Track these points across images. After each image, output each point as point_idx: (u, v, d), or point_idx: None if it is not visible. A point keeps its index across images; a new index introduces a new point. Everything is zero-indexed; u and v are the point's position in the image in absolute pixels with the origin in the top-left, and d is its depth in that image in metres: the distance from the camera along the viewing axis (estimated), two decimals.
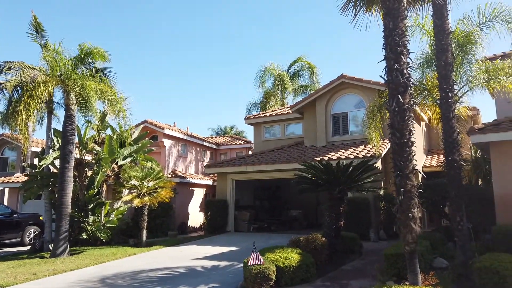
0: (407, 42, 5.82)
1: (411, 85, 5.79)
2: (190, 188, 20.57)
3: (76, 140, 13.83)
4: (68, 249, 12.04)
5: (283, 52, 68.45)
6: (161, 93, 73.22)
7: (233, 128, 41.40)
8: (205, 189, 21.83)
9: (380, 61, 5.91)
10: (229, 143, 25.94)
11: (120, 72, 66.45)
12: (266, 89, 28.50)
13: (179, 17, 70.10)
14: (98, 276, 8.92)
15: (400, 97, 5.61)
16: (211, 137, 28.56)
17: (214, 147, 25.09)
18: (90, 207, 13.89)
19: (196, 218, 20.39)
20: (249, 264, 7.05)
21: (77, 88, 11.72)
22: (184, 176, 19.73)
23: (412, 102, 5.75)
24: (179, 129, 22.39)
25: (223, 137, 29.60)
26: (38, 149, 18.78)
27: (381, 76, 5.95)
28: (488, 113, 57.12)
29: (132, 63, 71.70)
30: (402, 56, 5.69)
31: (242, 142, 25.85)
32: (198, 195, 21.22)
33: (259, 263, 7.01)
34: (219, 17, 70.18)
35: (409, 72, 5.79)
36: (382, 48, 5.93)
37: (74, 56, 13.00)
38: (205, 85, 72.43)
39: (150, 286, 7.94)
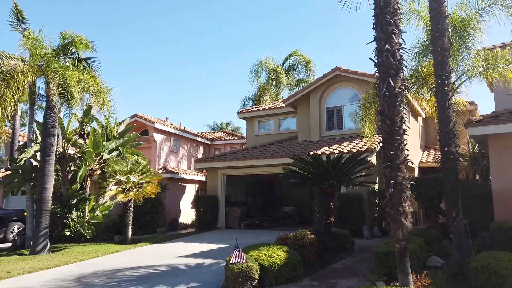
0: (399, 21, 5.32)
1: (403, 67, 5.28)
2: (182, 184, 20.08)
3: (59, 133, 13.33)
4: (48, 246, 11.54)
5: (278, 46, 67.87)
6: (157, 88, 72.60)
7: (229, 124, 40.84)
8: (197, 185, 21.33)
9: (370, 42, 5.41)
10: (223, 139, 25.42)
11: (117, 67, 65.76)
12: (260, 83, 27.84)
13: (171, 12, 69.39)
14: (75, 275, 8.49)
15: (390, 80, 5.12)
16: (205, 133, 28.01)
17: (208, 142, 24.57)
18: (73, 202, 13.36)
19: (188, 214, 19.89)
20: (230, 262, 6.60)
21: (58, 78, 11.19)
22: (176, 171, 19.23)
23: (404, 86, 5.25)
24: (171, 124, 21.84)
25: (216, 132, 29.04)
26: None
27: (370, 59, 5.45)
28: (486, 109, 56.76)
29: (128, 58, 71.02)
30: (393, 36, 5.19)
31: (236, 138, 25.33)
32: (190, 191, 20.73)
33: (241, 262, 6.55)
34: (213, 11, 69.52)
35: (401, 54, 5.29)
36: (372, 28, 5.43)
37: (57, 45, 12.48)
38: (202, 80, 71.83)
39: (127, 285, 7.48)
